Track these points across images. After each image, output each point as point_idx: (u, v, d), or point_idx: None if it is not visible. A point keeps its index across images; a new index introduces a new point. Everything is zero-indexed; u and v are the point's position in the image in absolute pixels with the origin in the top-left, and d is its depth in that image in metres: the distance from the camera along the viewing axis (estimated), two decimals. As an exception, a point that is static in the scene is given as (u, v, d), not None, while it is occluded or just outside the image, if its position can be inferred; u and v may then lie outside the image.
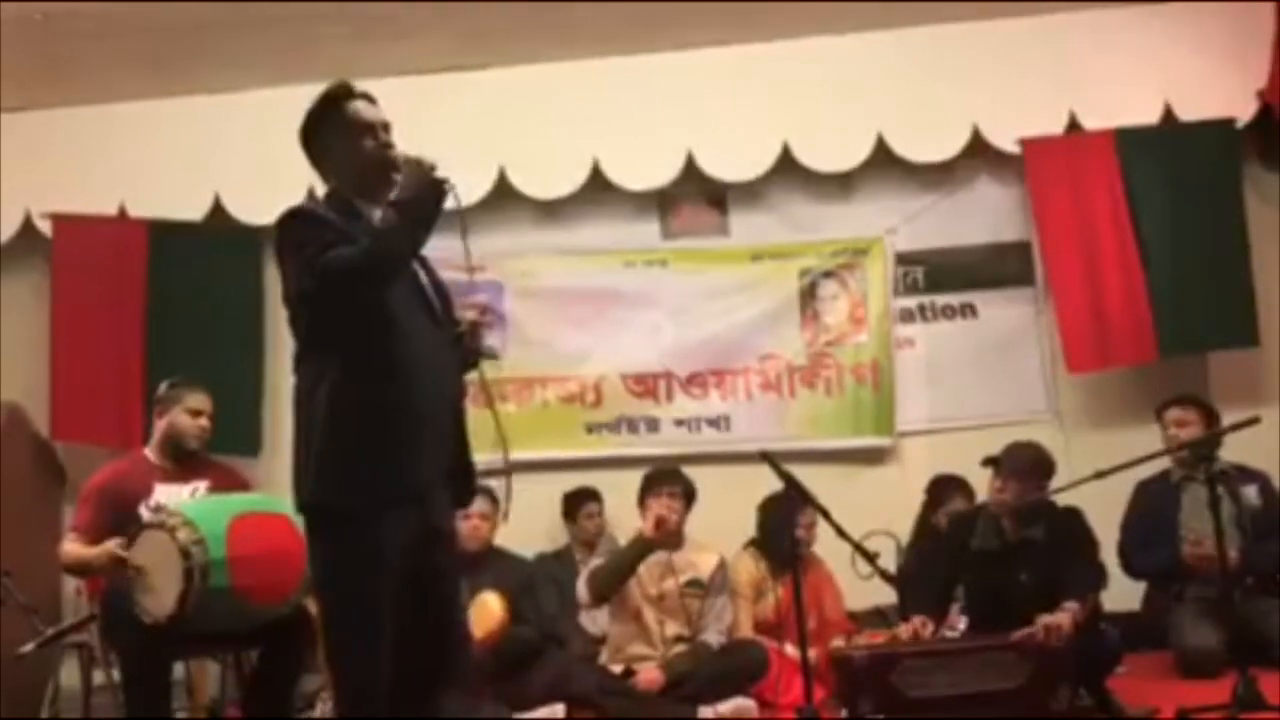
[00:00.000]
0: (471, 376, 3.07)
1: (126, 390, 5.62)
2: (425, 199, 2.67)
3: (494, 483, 5.14)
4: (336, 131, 2.80)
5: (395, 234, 2.65)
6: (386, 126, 2.83)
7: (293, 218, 2.71)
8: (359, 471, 2.64)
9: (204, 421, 4.13)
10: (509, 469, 3.01)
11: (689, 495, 4.73)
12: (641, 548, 4.60)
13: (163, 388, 4.20)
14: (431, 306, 2.84)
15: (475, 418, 3.05)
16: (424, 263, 2.88)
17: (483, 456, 5.86)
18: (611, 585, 4.60)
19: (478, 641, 4.56)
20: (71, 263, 5.77)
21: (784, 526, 4.34)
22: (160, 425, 4.14)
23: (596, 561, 4.89)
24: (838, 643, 4.50)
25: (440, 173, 2.68)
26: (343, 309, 2.65)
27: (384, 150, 2.79)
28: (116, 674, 4.07)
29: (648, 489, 4.71)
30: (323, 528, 2.70)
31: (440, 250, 2.87)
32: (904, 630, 4.14)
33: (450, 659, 2.82)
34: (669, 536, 4.63)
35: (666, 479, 4.72)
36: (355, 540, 2.64)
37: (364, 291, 2.63)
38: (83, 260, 5.77)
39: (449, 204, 2.72)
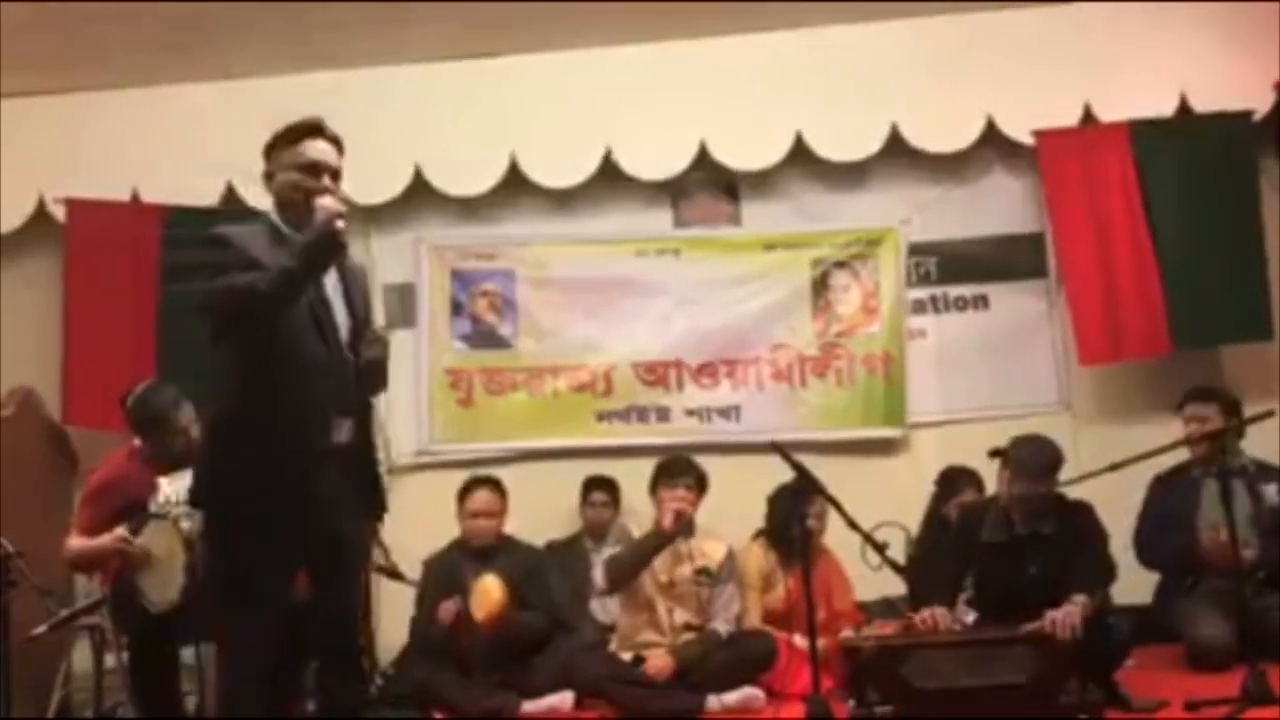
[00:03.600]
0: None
1: (139, 375, 5.55)
2: (316, 250, 2.89)
3: (500, 472, 5.20)
4: (285, 163, 3.05)
5: (283, 276, 2.86)
6: (334, 172, 3.05)
7: (208, 241, 2.97)
8: (233, 480, 2.90)
9: (191, 435, 4.07)
10: None
11: (702, 485, 4.74)
12: (659, 539, 4.62)
13: (159, 402, 4.14)
14: (329, 331, 3.00)
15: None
16: (348, 289, 3.09)
17: (485, 444, 5.87)
18: (628, 574, 4.62)
19: (478, 624, 4.58)
20: (85, 248, 5.78)
21: (793, 517, 4.34)
22: (174, 446, 4.07)
23: (611, 550, 4.89)
24: (847, 633, 4.51)
25: (339, 224, 2.90)
26: (230, 331, 2.93)
27: (310, 190, 2.99)
28: (127, 656, 4.09)
29: (660, 479, 4.72)
30: (209, 527, 3.03)
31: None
32: (922, 620, 4.11)
33: (343, 656, 3.07)
34: (685, 528, 4.64)
35: (680, 469, 4.73)
36: (235, 540, 2.91)
37: (245, 320, 2.89)
38: (96, 245, 5.78)
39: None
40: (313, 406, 2.93)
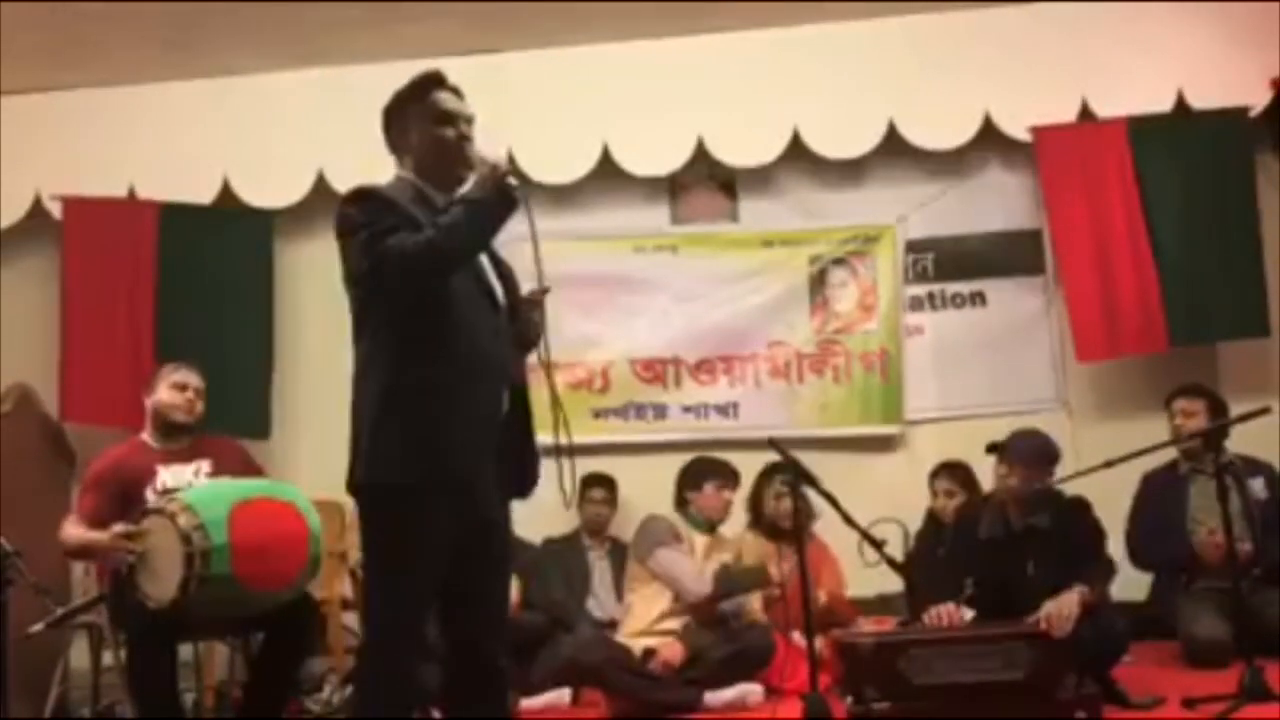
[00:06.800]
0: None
1: (137, 372, 5.59)
2: (495, 205, 2.70)
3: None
4: (420, 118, 2.83)
5: (460, 232, 2.68)
6: (469, 120, 2.87)
7: (359, 197, 2.73)
8: (405, 455, 2.65)
9: (190, 395, 4.09)
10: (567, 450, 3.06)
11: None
12: (765, 578, 4.69)
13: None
14: (492, 294, 2.84)
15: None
16: (490, 250, 2.90)
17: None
18: (731, 594, 4.68)
19: None
20: (81, 244, 5.78)
21: (762, 496, 4.76)
22: (148, 405, 4.13)
23: (606, 550, 4.83)
24: (837, 632, 4.51)
25: (511, 180, 2.71)
26: (398, 294, 2.67)
27: (462, 143, 2.83)
28: (125, 654, 4.09)
29: (703, 478, 4.80)
30: (370, 509, 2.73)
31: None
32: (934, 616, 4.07)
33: (492, 651, 2.83)
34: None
35: (719, 470, 4.83)
36: (400, 523, 2.67)
37: (421, 282, 2.66)
38: (93, 242, 5.78)
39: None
40: (488, 375, 2.76)
